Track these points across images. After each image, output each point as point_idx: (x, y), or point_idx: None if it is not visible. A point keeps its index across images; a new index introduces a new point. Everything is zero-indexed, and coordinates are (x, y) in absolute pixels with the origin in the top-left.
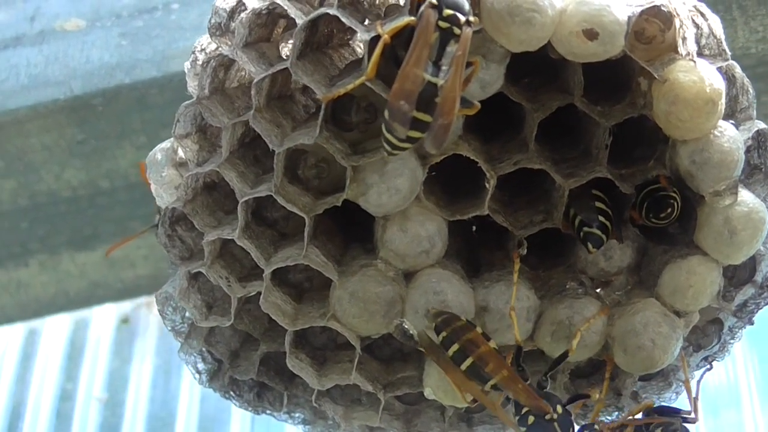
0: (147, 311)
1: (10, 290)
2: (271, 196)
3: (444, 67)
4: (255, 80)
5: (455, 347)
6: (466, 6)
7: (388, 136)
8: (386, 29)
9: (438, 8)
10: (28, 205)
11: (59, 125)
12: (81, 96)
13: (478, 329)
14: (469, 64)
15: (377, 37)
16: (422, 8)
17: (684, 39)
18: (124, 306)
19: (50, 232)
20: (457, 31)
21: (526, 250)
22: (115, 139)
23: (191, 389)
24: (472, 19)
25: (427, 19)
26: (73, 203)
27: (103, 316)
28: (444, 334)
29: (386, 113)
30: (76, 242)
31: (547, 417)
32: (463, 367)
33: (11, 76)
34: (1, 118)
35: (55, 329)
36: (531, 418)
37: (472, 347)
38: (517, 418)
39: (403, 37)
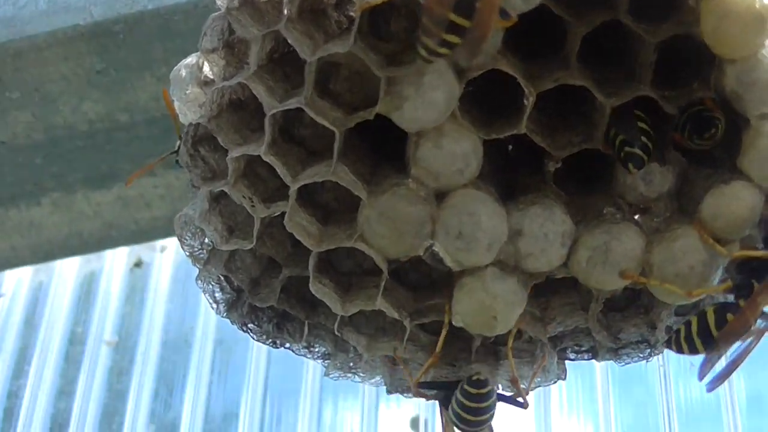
0: (160, 255)
1: (22, 231)
2: (301, 111)
3: None
4: None
5: None
6: None
7: (425, 39)
8: None
9: None
10: (44, 140)
11: (78, 53)
12: (102, 22)
13: None
14: None
15: None
16: None
17: None
18: (137, 250)
19: (65, 169)
20: None
21: (559, 164)
22: (136, 69)
23: (204, 333)
24: None
25: None
26: (89, 138)
27: (116, 260)
28: None
29: (423, 16)
30: (91, 180)
31: None
32: None
33: (30, 1)
34: (19, 44)
35: (66, 272)
36: None
37: None
38: None
39: None
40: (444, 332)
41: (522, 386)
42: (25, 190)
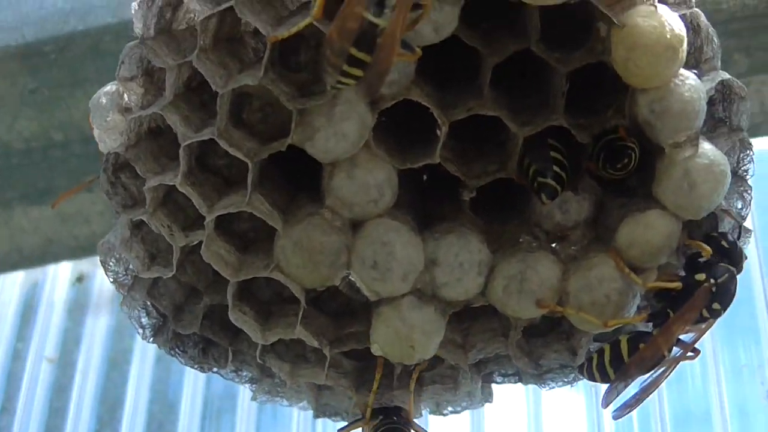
0: (102, 270)
1: None
2: (215, 141)
3: (387, 9)
4: (200, 18)
5: None
6: None
7: (328, 69)
8: None
9: None
10: None
11: (11, 73)
12: (33, 43)
13: None
14: (420, 6)
15: None
16: None
17: None
18: (80, 264)
19: (2, 186)
20: None
21: (474, 194)
22: (69, 88)
23: (144, 350)
24: None
25: None
26: (26, 156)
27: (58, 275)
28: None
29: (325, 48)
30: (29, 196)
31: None
32: None
33: None
34: None
35: (7, 287)
36: None
37: None
38: None
39: None
40: (374, 391)
41: (449, 409)
42: None
